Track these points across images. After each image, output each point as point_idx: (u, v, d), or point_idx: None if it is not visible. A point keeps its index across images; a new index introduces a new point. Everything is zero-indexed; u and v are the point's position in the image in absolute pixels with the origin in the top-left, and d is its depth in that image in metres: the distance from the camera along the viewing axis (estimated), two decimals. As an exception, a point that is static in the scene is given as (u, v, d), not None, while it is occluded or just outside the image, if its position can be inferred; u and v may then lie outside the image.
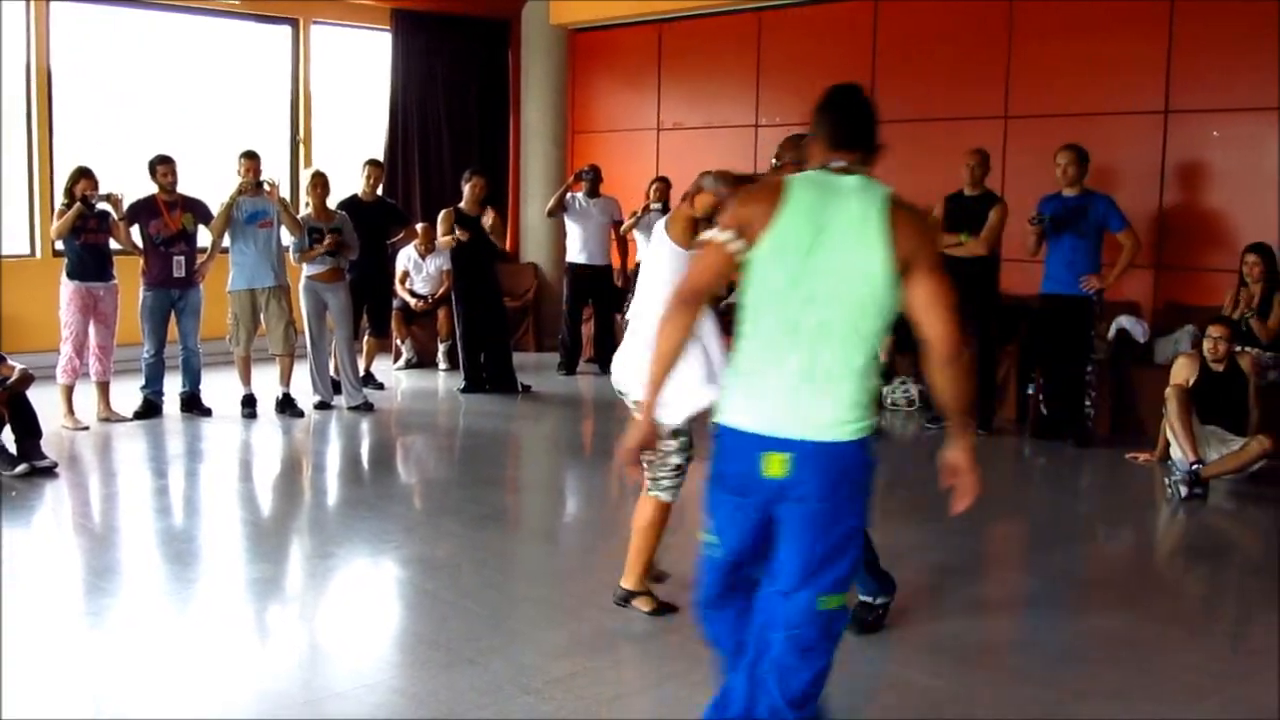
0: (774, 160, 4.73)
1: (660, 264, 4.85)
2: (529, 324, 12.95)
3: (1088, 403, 8.52)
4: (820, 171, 3.25)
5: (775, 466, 3.16)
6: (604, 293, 11.46)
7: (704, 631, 3.56)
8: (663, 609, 5.03)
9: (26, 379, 7.53)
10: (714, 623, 3.51)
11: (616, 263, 11.62)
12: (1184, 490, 7.12)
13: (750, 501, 3.24)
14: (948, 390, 3.25)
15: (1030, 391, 8.99)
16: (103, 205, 8.78)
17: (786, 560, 3.21)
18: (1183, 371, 7.66)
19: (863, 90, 3.36)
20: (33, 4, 10.81)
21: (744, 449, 3.20)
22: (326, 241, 9.26)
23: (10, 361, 7.68)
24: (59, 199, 9.19)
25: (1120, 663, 4.62)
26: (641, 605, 5.04)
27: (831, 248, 3.14)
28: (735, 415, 3.24)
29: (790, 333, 3.16)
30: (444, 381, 11.20)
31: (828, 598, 3.20)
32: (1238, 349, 7.68)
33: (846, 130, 3.28)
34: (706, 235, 3.36)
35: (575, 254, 11.39)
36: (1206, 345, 7.59)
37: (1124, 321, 9.07)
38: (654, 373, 3.34)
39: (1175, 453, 7.44)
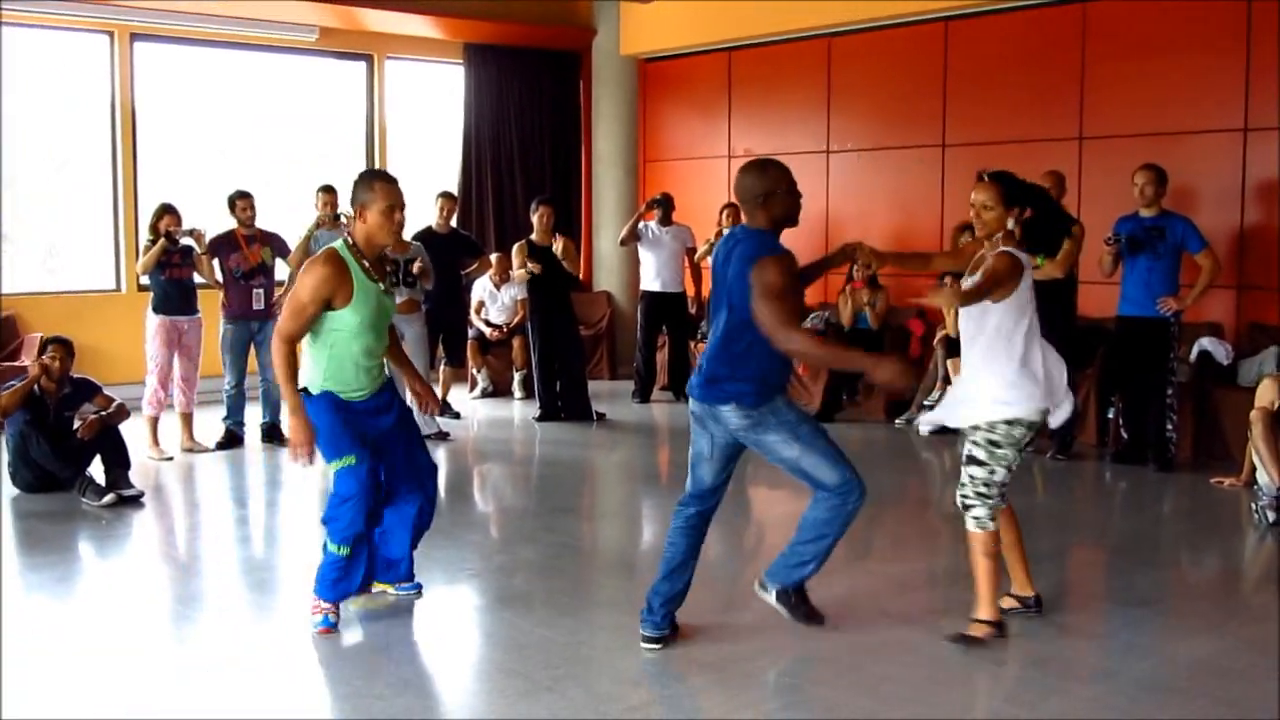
0: None
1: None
2: (603, 352, 13.01)
3: (1169, 426, 8.38)
4: None
5: None
6: (678, 320, 11.48)
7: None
8: (1000, 628, 5.03)
9: (123, 413, 7.78)
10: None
11: (690, 290, 11.64)
12: (1271, 515, 6.98)
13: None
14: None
15: (1110, 415, 8.86)
16: (186, 240, 8.96)
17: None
18: (1268, 394, 7.51)
19: (359, 175, 5.18)
20: (116, 43, 11.10)
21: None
22: (417, 266, 9.31)
23: (108, 393, 7.90)
24: (144, 235, 9.39)
25: (1205, 693, 4.53)
26: (975, 630, 5.00)
27: None
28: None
29: None
30: (519, 410, 11.28)
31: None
32: (1325, 370, 7.53)
33: None
34: None
35: (649, 282, 11.42)
36: (1292, 367, 7.45)
37: (1206, 343, 8.92)
38: None
39: (1262, 477, 7.29)
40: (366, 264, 5.01)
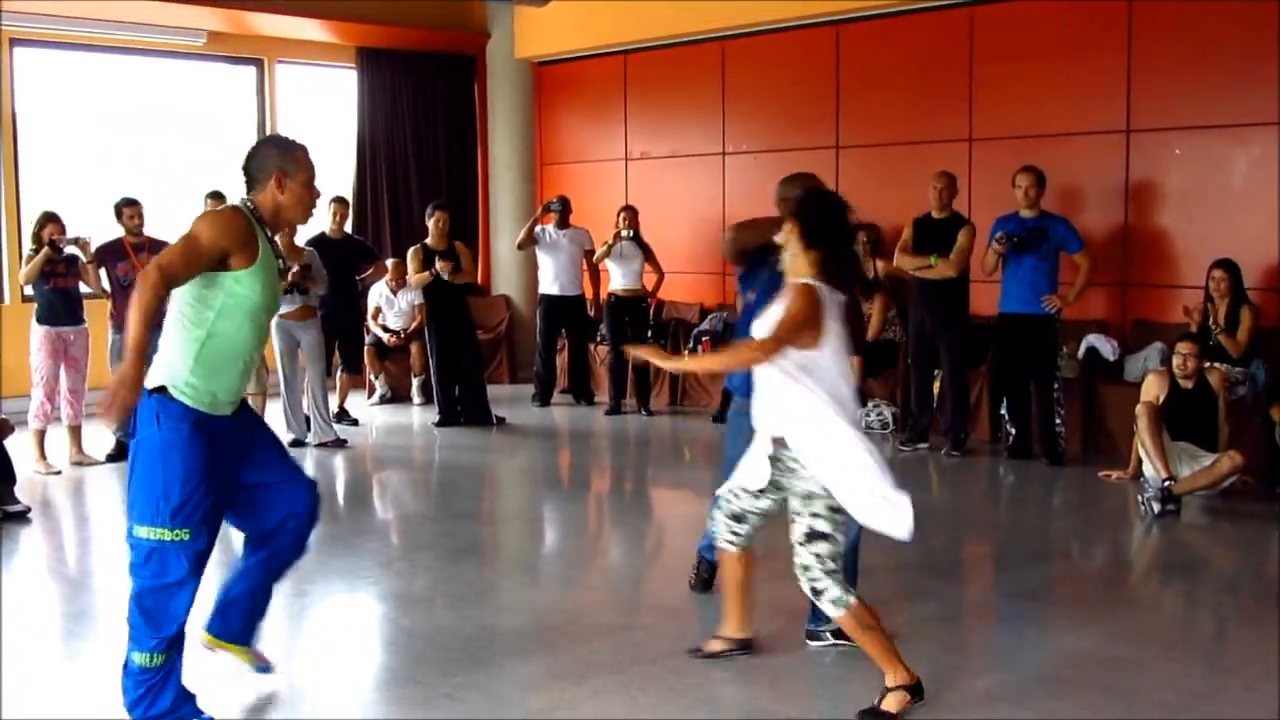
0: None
1: None
2: (502, 356, 12.96)
3: (1058, 421, 8.57)
4: None
5: None
6: (577, 323, 11.47)
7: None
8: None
9: (6, 428, 7.54)
10: None
11: (589, 293, 11.63)
12: (1157, 507, 7.16)
13: None
14: None
15: (1003, 412, 9.03)
16: (71, 249, 8.76)
17: None
18: (1153, 389, 7.72)
19: (265, 139, 4.44)
20: (-4, 49, 10.82)
21: None
22: (293, 272, 9.14)
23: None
24: (27, 244, 9.15)
25: (1094, 683, 4.63)
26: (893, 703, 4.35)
27: None
28: None
29: None
30: (419, 416, 11.19)
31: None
32: (1207, 365, 7.74)
33: None
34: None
35: (548, 285, 11.40)
36: (1176, 362, 7.64)
37: (1093, 340, 9.13)
38: None
39: (1147, 470, 7.49)
40: (270, 234, 4.20)
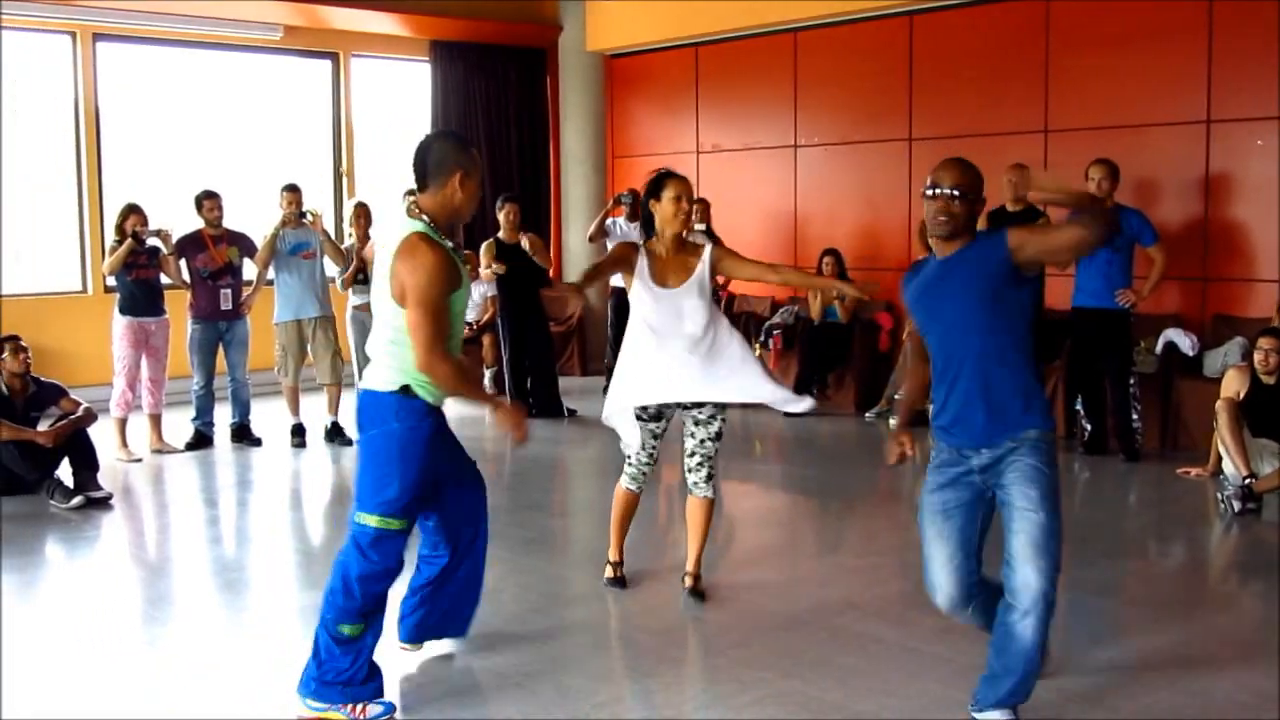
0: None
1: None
2: (574, 349, 13.00)
3: (1135, 416, 8.46)
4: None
5: None
6: (648, 316, 11.46)
7: None
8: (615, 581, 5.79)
9: (90, 417, 7.73)
10: None
11: (660, 286, 11.62)
12: (1237, 505, 7.04)
13: None
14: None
15: (1078, 407, 8.93)
16: (153, 241, 8.92)
17: None
18: (1233, 384, 7.58)
19: (439, 134, 4.37)
20: (79, 44, 11.02)
21: None
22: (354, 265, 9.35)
23: (74, 397, 7.85)
24: (109, 236, 9.33)
25: (1170, 682, 4.57)
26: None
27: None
28: None
29: None
30: (490, 407, 11.25)
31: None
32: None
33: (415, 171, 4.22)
34: None
35: (619, 278, 11.38)
36: (1257, 357, 7.50)
37: (1172, 334, 8.99)
38: None
39: (1227, 467, 7.36)
40: (450, 243, 4.19)
